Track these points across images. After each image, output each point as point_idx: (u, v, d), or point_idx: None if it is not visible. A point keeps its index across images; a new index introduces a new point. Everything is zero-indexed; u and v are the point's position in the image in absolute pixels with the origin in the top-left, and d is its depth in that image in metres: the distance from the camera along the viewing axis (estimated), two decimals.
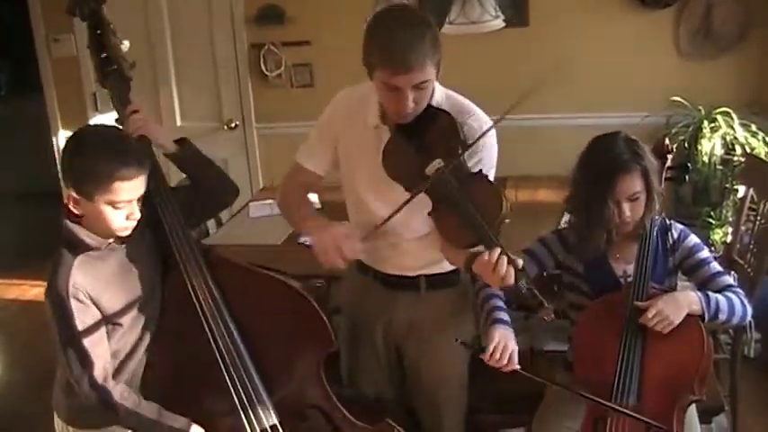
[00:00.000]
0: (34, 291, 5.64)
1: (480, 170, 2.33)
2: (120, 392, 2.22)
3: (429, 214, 2.29)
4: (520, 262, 2.12)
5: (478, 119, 2.46)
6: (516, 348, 2.41)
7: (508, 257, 2.10)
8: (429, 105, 2.36)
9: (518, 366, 2.38)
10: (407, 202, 2.28)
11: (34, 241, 5.97)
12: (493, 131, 2.42)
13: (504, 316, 2.51)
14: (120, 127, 2.40)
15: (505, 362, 2.36)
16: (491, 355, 2.36)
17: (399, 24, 2.25)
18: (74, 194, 2.16)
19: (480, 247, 2.16)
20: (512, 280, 2.10)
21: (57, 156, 5.58)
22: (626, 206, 2.48)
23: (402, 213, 2.34)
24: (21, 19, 5.47)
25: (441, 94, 2.47)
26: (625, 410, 2.36)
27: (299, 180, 2.69)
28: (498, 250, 2.11)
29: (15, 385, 4.56)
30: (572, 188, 2.60)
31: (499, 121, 2.32)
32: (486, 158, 2.43)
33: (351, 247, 2.32)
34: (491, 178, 2.38)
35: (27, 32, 5.44)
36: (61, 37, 5.33)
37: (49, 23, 5.36)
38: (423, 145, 2.29)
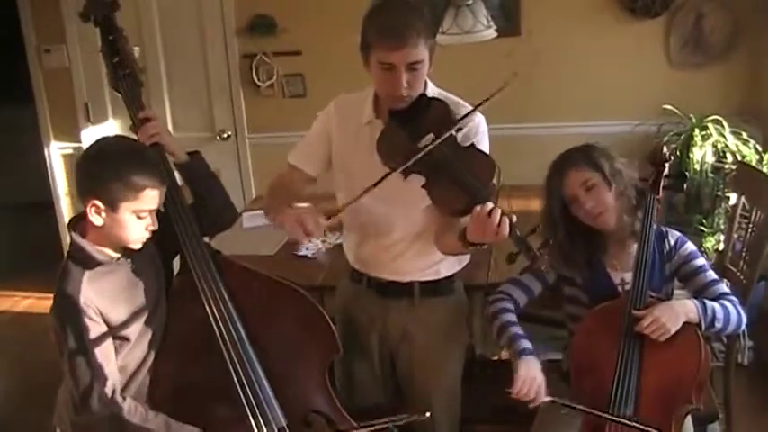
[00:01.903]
0: (26, 302, 5.60)
1: (472, 144, 2.40)
2: (129, 407, 2.22)
3: (423, 186, 2.32)
4: (514, 217, 2.16)
5: (467, 108, 2.50)
6: (543, 380, 2.43)
7: (501, 211, 2.15)
8: (423, 94, 2.45)
9: (548, 399, 2.40)
10: (401, 170, 2.30)
11: (26, 252, 5.98)
12: (484, 121, 2.54)
13: (527, 344, 2.53)
14: (135, 137, 2.41)
15: (532, 395, 2.39)
16: (518, 390, 2.39)
17: (395, 7, 2.39)
18: (97, 203, 2.17)
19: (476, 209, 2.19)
20: (506, 231, 2.14)
21: (49, 167, 5.56)
22: (585, 198, 2.51)
23: (388, 210, 2.47)
24: (12, 30, 5.45)
25: (434, 92, 2.55)
26: (625, 421, 2.36)
27: (290, 180, 2.71)
28: (491, 204, 2.16)
29: (6, 396, 4.53)
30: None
31: (492, 96, 2.34)
32: (480, 144, 2.48)
33: (313, 222, 2.32)
34: None
35: (18, 43, 5.42)
36: (52, 48, 5.31)
37: (41, 34, 5.34)
38: (416, 130, 2.36)
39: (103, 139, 2.31)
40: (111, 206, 2.17)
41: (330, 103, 2.69)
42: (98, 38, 2.56)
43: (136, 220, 2.19)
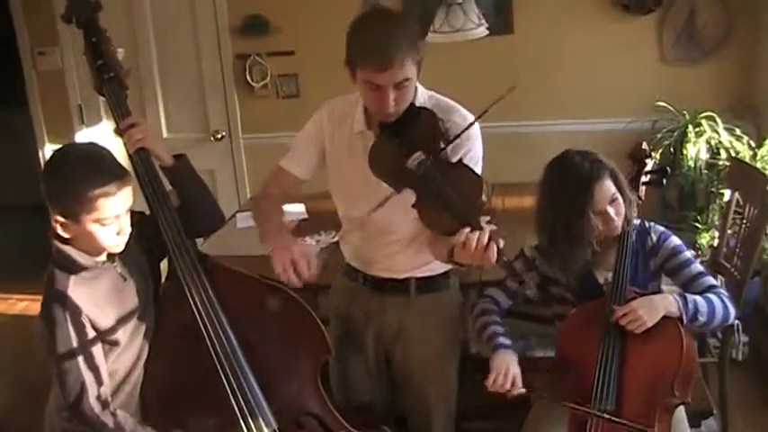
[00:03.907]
0: (22, 304, 5.60)
1: (460, 159, 2.39)
2: (117, 420, 2.19)
3: (413, 206, 2.31)
4: (501, 241, 2.14)
5: (463, 115, 2.51)
6: (518, 371, 2.45)
7: (489, 236, 2.13)
8: (411, 104, 2.42)
9: (523, 390, 2.43)
10: (386, 199, 2.34)
11: (21, 255, 5.95)
12: (477, 125, 2.48)
13: (505, 340, 2.56)
14: (97, 142, 2.38)
15: (508, 386, 2.41)
16: (493, 381, 2.41)
17: (380, 23, 2.34)
18: (60, 218, 2.15)
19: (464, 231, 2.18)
20: (493, 258, 2.12)
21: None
22: (611, 210, 2.51)
23: (388, 214, 2.42)
24: (5, 32, 5.45)
25: (424, 96, 2.53)
26: (606, 416, 2.37)
27: (281, 183, 2.70)
28: (478, 230, 2.14)
29: (1, 398, 4.52)
30: (542, 218, 2.63)
31: (482, 115, 2.35)
32: (471, 151, 2.48)
33: (305, 269, 2.36)
34: (477, 170, 2.43)
35: (12, 46, 5.42)
36: (46, 50, 5.31)
37: (34, 36, 5.34)
38: (405, 142, 2.34)
39: (58, 151, 2.27)
40: (73, 219, 2.14)
41: (322, 109, 2.67)
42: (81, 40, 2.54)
43: (102, 228, 2.15)
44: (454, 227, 2.19)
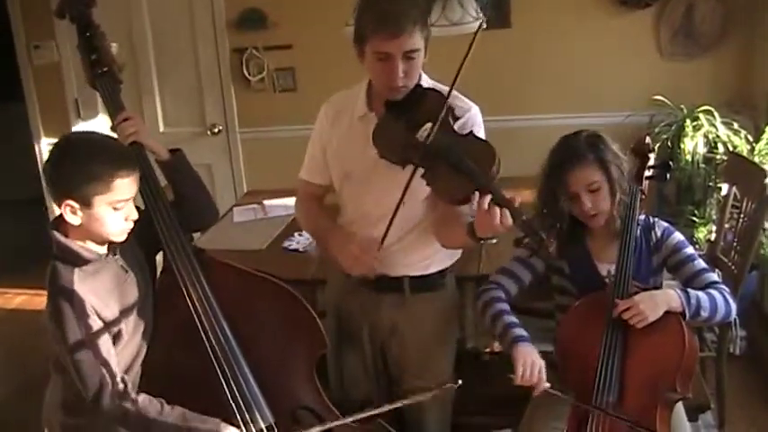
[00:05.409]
0: (19, 299, 5.60)
1: (471, 131, 2.40)
2: (143, 401, 2.18)
3: (423, 176, 2.31)
4: (517, 200, 2.16)
5: (462, 99, 2.53)
6: (543, 363, 2.43)
7: (499, 201, 2.14)
8: (418, 85, 2.44)
9: (548, 384, 2.40)
10: (411, 179, 2.33)
11: (18, 249, 5.96)
12: (480, 113, 2.54)
13: (522, 331, 2.52)
14: (104, 132, 2.38)
15: (536, 380, 2.39)
16: (521, 376, 2.39)
17: None
18: (71, 203, 2.12)
19: (475, 199, 2.18)
20: (509, 222, 2.13)
21: (39, 163, 5.54)
22: (586, 198, 2.50)
23: (390, 199, 2.39)
24: (0, 26, 5.43)
25: (428, 83, 2.54)
26: (609, 412, 2.37)
27: (310, 194, 2.74)
28: (489, 197, 2.15)
29: None
30: (537, 190, 2.64)
31: (468, 54, 2.37)
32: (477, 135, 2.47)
33: (371, 258, 2.46)
34: None
35: (7, 40, 5.40)
36: (42, 44, 5.29)
37: (30, 30, 5.32)
38: (412, 119, 2.36)
39: (64, 138, 2.26)
40: (85, 203, 2.12)
41: (321, 108, 2.68)
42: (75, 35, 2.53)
43: (113, 212, 2.15)
44: (466, 193, 2.19)
